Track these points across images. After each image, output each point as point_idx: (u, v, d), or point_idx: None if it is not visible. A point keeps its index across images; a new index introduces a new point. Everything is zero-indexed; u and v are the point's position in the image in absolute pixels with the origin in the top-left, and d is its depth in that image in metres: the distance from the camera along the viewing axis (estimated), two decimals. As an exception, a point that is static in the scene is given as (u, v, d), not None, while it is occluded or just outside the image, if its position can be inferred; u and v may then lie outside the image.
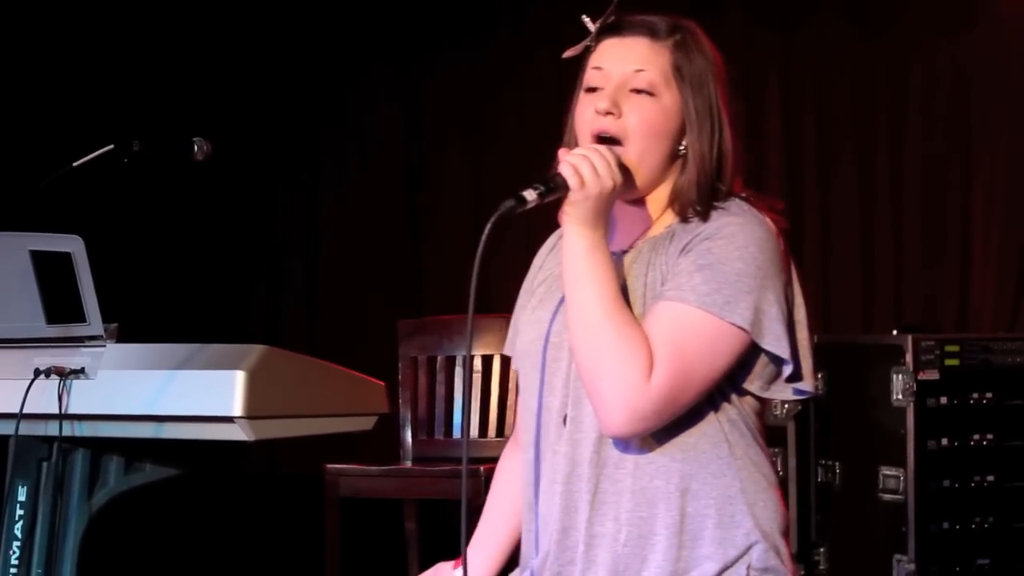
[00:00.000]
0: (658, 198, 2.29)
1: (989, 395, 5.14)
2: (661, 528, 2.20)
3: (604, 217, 2.20)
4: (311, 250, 6.16)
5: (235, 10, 5.94)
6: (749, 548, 2.21)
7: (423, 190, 6.19)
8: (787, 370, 2.23)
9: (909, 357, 5.08)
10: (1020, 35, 5.91)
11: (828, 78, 6.07)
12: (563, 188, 2.18)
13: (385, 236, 6.12)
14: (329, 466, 4.72)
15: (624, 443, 2.20)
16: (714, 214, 2.24)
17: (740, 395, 2.24)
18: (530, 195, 2.17)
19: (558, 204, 2.22)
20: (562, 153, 2.22)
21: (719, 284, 2.17)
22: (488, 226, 2.14)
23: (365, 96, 6.17)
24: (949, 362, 5.11)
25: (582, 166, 2.17)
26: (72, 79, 5.60)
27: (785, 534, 2.26)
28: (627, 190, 2.25)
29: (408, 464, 4.83)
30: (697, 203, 2.25)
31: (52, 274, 3.11)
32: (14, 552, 3.22)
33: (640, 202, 2.30)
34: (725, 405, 2.23)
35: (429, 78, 6.16)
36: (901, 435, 5.09)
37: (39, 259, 3.12)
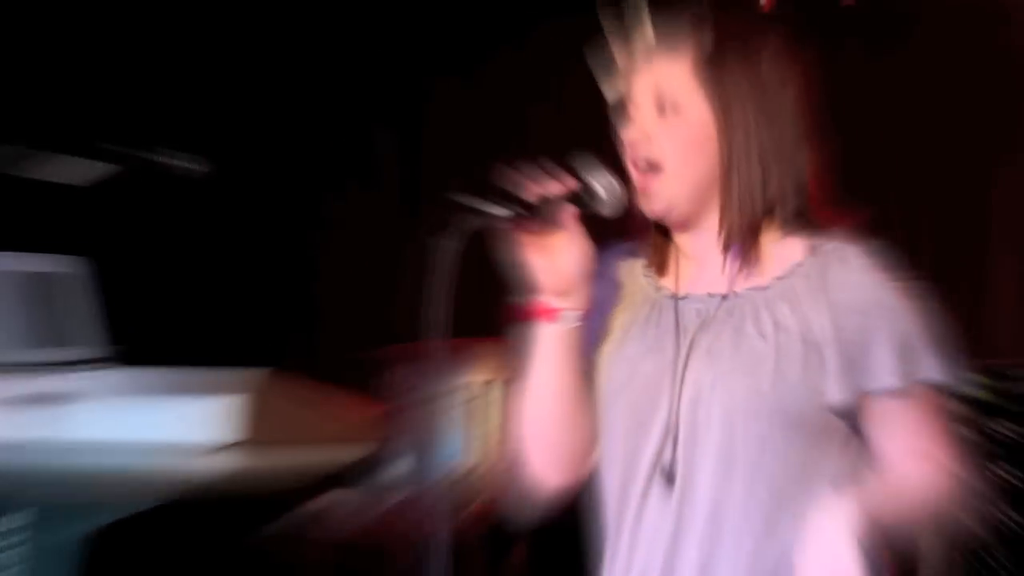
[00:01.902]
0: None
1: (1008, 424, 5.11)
2: None
3: None
4: (310, 275, 6.17)
5: (238, 30, 5.94)
6: None
7: (421, 214, 6.19)
8: None
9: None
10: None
11: (841, 92, 6.03)
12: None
13: (383, 261, 6.13)
14: (323, 493, 4.69)
15: (743, 516, 2.02)
16: (856, 262, 2.19)
17: None
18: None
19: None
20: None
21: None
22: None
23: (363, 119, 6.19)
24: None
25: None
26: (80, 95, 5.60)
27: None
28: (680, 216, 2.10)
29: (403, 490, 4.80)
30: (762, 221, 2.12)
31: (53, 296, 3.11)
32: (6, 582, 3.20)
33: (701, 229, 2.13)
34: None
35: (428, 101, 6.19)
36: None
37: (41, 281, 3.12)
